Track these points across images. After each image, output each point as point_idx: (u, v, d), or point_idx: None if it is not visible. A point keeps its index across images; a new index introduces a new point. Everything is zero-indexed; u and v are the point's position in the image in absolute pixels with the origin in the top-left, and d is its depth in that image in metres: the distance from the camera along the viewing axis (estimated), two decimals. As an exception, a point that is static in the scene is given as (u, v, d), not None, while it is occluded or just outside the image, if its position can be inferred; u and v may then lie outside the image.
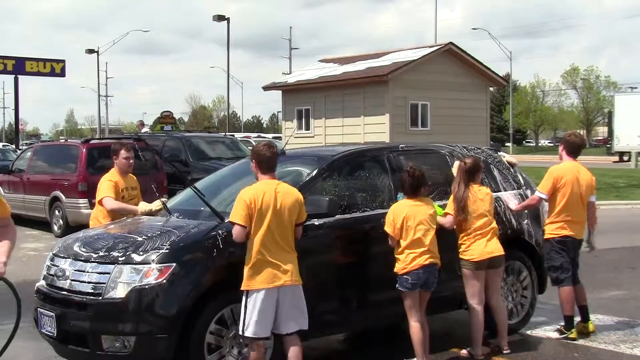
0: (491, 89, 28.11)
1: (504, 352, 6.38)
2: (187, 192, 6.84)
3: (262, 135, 42.96)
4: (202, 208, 5.98)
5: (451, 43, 23.73)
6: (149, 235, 5.59)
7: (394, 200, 6.21)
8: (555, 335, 6.99)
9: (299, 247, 5.34)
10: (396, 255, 5.96)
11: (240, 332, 5.16)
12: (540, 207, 7.36)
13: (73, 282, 5.49)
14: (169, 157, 16.45)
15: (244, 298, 5.15)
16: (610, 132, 43.41)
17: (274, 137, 34.84)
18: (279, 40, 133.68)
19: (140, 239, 5.54)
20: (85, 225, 10.18)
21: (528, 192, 7.51)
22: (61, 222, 14.71)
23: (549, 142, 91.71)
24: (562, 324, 7.02)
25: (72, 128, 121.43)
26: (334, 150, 6.82)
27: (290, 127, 24.58)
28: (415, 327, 5.90)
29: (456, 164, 6.56)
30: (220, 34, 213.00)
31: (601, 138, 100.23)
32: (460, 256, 6.36)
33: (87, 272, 5.44)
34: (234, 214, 5.17)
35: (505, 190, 7.31)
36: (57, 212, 14.88)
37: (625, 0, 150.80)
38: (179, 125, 58.86)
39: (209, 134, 21.28)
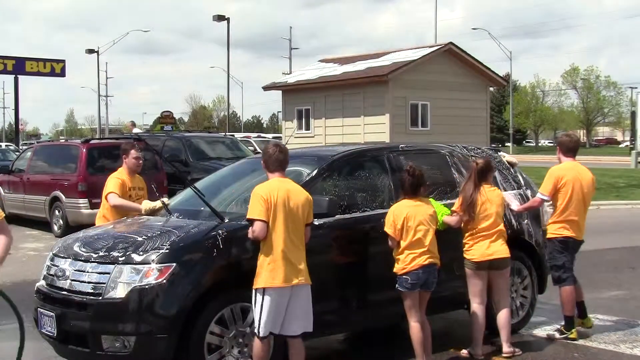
0: (491, 89, 28.12)
1: (504, 355, 6.36)
2: (187, 192, 6.84)
3: (262, 135, 42.95)
4: (202, 208, 5.98)
5: (451, 43, 23.75)
6: (149, 235, 5.58)
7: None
8: (556, 335, 6.99)
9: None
10: (396, 256, 5.96)
11: (257, 332, 5.15)
12: (540, 208, 7.35)
13: (73, 282, 5.48)
14: (169, 157, 16.45)
15: (259, 296, 5.13)
16: (634, 132, 42.67)
17: (274, 137, 34.86)
18: (279, 40, 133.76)
19: (140, 239, 5.54)
20: (85, 225, 10.19)
21: (528, 192, 7.51)
22: (61, 222, 14.71)
23: (549, 142, 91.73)
24: (562, 324, 7.02)
25: (72, 128, 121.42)
26: (334, 150, 6.82)
27: (290, 127, 24.59)
28: (415, 327, 5.90)
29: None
30: (220, 34, 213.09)
31: (602, 138, 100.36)
32: (464, 255, 6.40)
33: (87, 272, 5.43)
34: (252, 211, 5.16)
35: (505, 191, 7.30)
36: (57, 212, 14.88)
37: (625, 0, 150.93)
38: (179, 125, 58.89)
39: (209, 134, 21.28)
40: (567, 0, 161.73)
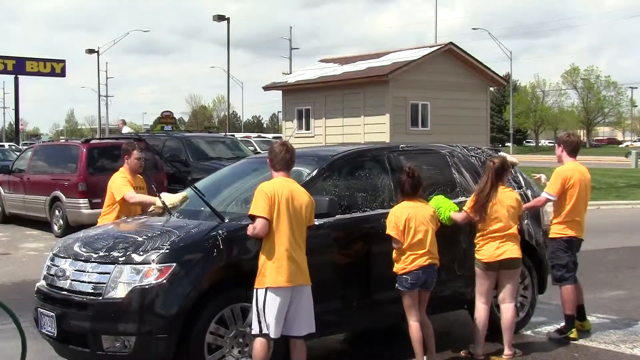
0: (491, 89, 28.13)
1: (504, 357, 6.36)
2: (188, 191, 6.83)
3: (263, 135, 42.97)
4: (202, 208, 5.98)
5: (451, 43, 23.74)
6: (149, 235, 5.58)
7: None
8: (556, 335, 7.00)
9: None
10: (396, 256, 5.97)
11: (265, 331, 5.09)
12: (540, 208, 7.36)
13: (73, 282, 5.48)
14: (169, 157, 16.45)
15: (261, 296, 5.10)
16: None
17: (274, 137, 34.87)
18: (279, 40, 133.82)
19: (140, 239, 5.54)
20: (85, 225, 10.20)
21: (529, 192, 7.51)
22: (61, 222, 14.71)
23: (549, 142, 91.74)
24: (563, 324, 7.02)
25: (72, 128, 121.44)
26: (334, 150, 6.81)
27: (290, 127, 24.59)
28: (414, 327, 5.91)
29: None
30: (220, 34, 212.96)
31: (604, 138, 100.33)
32: (475, 254, 6.42)
33: (87, 272, 5.43)
34: (254, 207, 5.13)
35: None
36: (57, 212, 14.87)
37: (625, 0, 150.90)
38: (179, 125, 58.87)
39: (209, 134, 21.28)
40: (567, 0, 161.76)
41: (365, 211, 6.29)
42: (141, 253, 5.32)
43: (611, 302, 8.59)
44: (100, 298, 5.25)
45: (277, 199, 5.12)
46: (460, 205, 6.46)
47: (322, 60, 27.70)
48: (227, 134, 30.31)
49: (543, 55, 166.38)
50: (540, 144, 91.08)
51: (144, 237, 5.55)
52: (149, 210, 6.84)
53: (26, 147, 23.67)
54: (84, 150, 14.57)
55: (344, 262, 6.10)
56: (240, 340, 5.44)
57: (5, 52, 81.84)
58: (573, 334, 6.93)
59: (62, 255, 5.78)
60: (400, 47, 25.35)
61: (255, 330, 5.17)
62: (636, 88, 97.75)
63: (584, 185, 6.98)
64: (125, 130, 24.08)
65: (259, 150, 25.86)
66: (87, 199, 14.14)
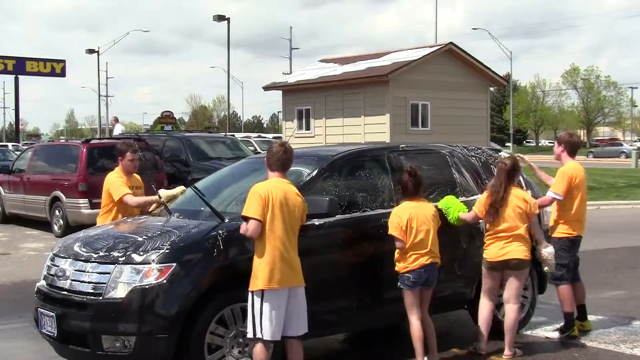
0: (491, 89, 28.11)
1: (504, 357, 6.36)
2: (187, 192, 6.83)
3: (263, 135, 42.96)
4: (203, 208, 5.98)
5: (451, 43, 23.73)
6: (149, 235, 5.59)
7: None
8: (557, 334, 7.01)
9: (299, 247, 5.33)
10: (398, 256, 5.98)
11: (253, 335, 5.09)
12: (546, 207, 7.36)
13: (73, 282, 5.49)
14: (169, 157, 16.45)
15: (257, 298, 5.09)
16: None
17: (274, 137, 34.85)
18: (279, 40, 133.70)
19: (140, 239, 5.54)
20: (85, 225, 10.20)
21: (529, 192, 7.50)
22: (61, 222, 14.71)
23: (549, 142, 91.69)
24: (562, 323, 7.03)
25: (72, 128, 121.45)
26: (334, 150, 6.81)
27: (290, 127, 24.59)
28: (415, 325, 5.93)
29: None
30: (220, 34, 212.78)
31: (606, 138, 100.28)
32: (483, 253, 6.49)
33: (88, 272, 5.43)
34: (247, 208, 5.12)
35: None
36: (57, 212, 14.87)
37: (625, 0, 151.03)
38: (179, 125, 58.85)
39: (209, 134, 21.28)
40: (567, 0, 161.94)
41: (366, 211, 6.29)
42: (141, 253, 5.32)
43: (611, 302, 8.59)
44: (101, 298, 5.25)
45: (271, 201, 5.11)
46: (469, 204, 6.48)
47: (322, 60, 27.69)
48: (227, 134, 30.32)
49: (543, 55, 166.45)
50: (540, 144, 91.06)
51: (144, 237, 5.56)
52: (150, 210, 6.85)
53: (27, 147, 23.67)
54: (84, 150, 14.57)
55: (344, 262, 6.10)
56: (240, 340, 5.43)
57: (5, 52, 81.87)
58: (574, 331, 6.96)
59: (62, 255, 5.78)
60: (400, 47, 25.35)
61: (250, 333, 5.15)
62: (636, 88, 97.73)
63: (585, 184, 7.06)
64: (118, 128, 24.03)
65: (259, 150, 25.85)
66: (87, 199, 14.14)
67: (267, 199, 5.10)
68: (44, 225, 15.55)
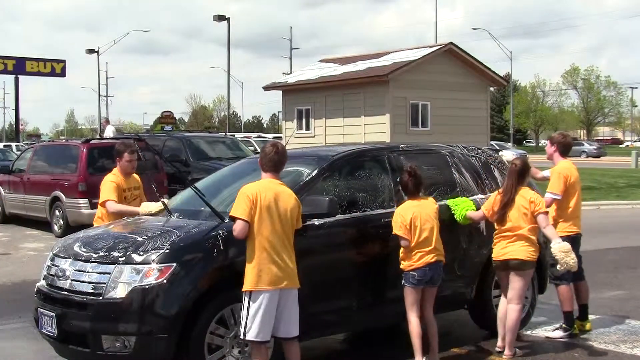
0: (491, 89, 28.09)
1: (504, 357, 6.36)
2: (187, 192, 6.84)
3: (263, 135, 42.96)
4: (203, 208, 5.98)
5: (451, 43, 23.72)
6: (149, 235, 5.58)
7: None
8: (558, 333, 7.01)
9: (299, 247, 5.34)
10: (403, 254, 5.99)
11: (242, 336, 5.12)
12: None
13: (73, 282, 5.48)
14: (169, 157, 16.45)
15: (246, 299, 5.10)
16: None
17: (274, 137, 34.85)
18: (279, 40, 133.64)
19: (140, 239, 5.54)
20: (85, 225, 10.20)
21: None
22: (61, 222, 14.70)
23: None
24: (562, 323, 7.04)
25: (72, 128, 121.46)
26: (334, 150, 6.81)
27: (290, 127, 24.58)
28: (414, 322, 5.96)
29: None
30: (220, 34, 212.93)
31: (609, 138, 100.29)
32: None
33: (88, 272, 5.43)
34: (235, 209, 5.14)
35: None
36: (57, 212, 14.87)
37: (625, 0, 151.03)
38: (179, 125, 58.85)
39: (209, 134, 21.28)
40: (567, 0, 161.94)
41: (366, 211, 6.29)
42: (141, 253, 5.32)
43: (611, 302, 8.59)
44: (101, 298, 5.25)
45: (259, 202, 5.10)
46: (475, 202, 6.52)
47: (322, 60, 27.68)
48: (227, 134, 30.32)
49: (543, 55, 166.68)
50: (540, 144, 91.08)
51: (144, 237, 5.55)
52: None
53: (27, 146, 23.66)
54: (84, 150, 14.57)
55: (344, 262, 6.10)
56: (241, 340, 5.43)
57: (5, 52, 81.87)
58: (574, 331, 7.00)
59: (62, 255, 5.78)
60: (400, 47, 25.33)
61: (240, 334, 5.15)
62: (636, 88, 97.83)
63: (579, 183, 7.11)
64: (109, 129, 23.96)
65: (259, 150, 25.84)
66: (87, 199, 14.13)
67: (255, 200, 5.10)
68: (44, 225, 15.55)
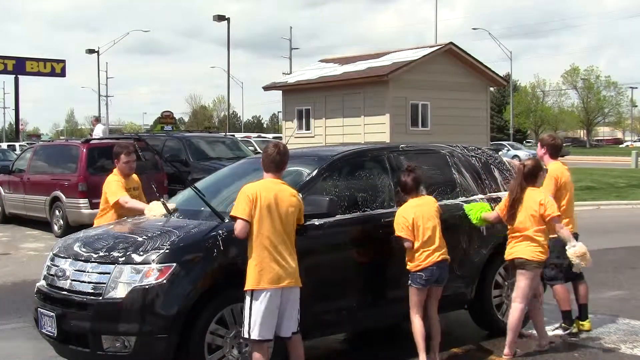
0: (491, 89, 28.09)
1: (504, 357, 6.36)
2: (187, 192, 6.84)
3: (263, 135, 42.96)
4: (203, 208, 5.98)
5: (451, 43, 23.72)
6: (149, 235, 5.58)
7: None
8: (558, 332, 7.02)
9: (299, 247, 5.34)
10: (409, 255, 6.01)
11: (246, 335, 5.12)
12: None
13: (73, 282, 5.48)
14: (169, 157, 16.44)
15: (248, 298, 5.11)
16: None
17: (274, 137, 34.85)
18: (279, 40, 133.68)
19: (140, 239, 5.54)
20: (85, 225, 10.20)
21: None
22: (61, 222, 14.70)
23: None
24: (562, 322, 7.05)
25: (72, 128, 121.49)
26: (334, 150, 6.81)
27: (290, 127, 24.58)
28: (417, 322, 5.98)
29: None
30: (220, 34, 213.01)
31: (610, 138, 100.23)
32: None
33: (88, 272, 5.43)
34: (235, 209, 5.16)
35: (505, 191, 7.31)
36: (57, 212, 14.87)
37: (625, 0, 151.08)
38: (179, 125, 58.86)
39: (209, 134, 21.27)
40: (567, 0, 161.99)
41: (366, 211, 6.29)
42: (141, 253, 5.32)
43: (611, 302, 8.59)
44: (101, 298, 5.25)
45: (258, 201, 5.11)
46: (490, 202, 6.64)
47: (322, 60, 27.68)
48: (227, 134, 30.31)
49: (543, 55, 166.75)
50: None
51: (144, 237, 5.55)
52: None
53: (27, 146, 23.64)
54: (84, 150, 14.56)
55: (344, 262, 6.10)
56: (241, 340, 5.43)
57: (5, 52, 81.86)
58: (575, 328, 7.04)
59: (62, 255, 5.78)
60: (400, 47, 25.33)
61: (244, 333, 5.16)
62: (636, 88, 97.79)
63: (571, 183, 7.13)
64: (99, 128, 23.92)
65: (259, 150, 25.84)
66: (87, 199, 14.13)
67: (254, 200, 5.11)
68: (44, 225, 15.55)
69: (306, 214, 5.51)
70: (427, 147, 7.47)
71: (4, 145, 40.46)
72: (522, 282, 6.36)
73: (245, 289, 5.13)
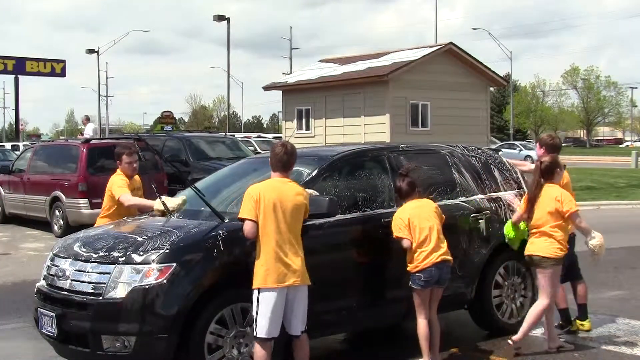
0: (491, 89, 28.07)
1: (509, 341, 6.42)
2: (187, 192, 6.83)
3: (263, 135, 42.96)
4: (202, 208, 5.98)
5: (451, 43, 23.71)
6: (149, 235, 5.59)
7: None
8: (557, 331, 7.02)
9: (299, 248, 5.34)
10: (408, 256, 6.01)
11: (255, 334, 5.16)
12: None
13: (73, 282, 5.49)
14: (169, 157, 16.45)
15: (255, 297, 5.16)
16: None
17: (274, 137, 34.85)
18: (279, 40, 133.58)
19: (140, 239, 5.54)
20: (85, 225, 10.20)
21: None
22: (61, 222, 14.70)
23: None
24: (559, 321, 7.06)
25: (72, 128, 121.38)
26: (334, 150, 6.81)
27: (290, 127, 24.57)
28: (422, 324, 5.98)
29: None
30: (220, 34, 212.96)
31: (611, 138, 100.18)
32: None
33: (88, 272, 5.43)
34: (242, 210, 5.21)
35: (505, 191, 7.32)
36: (57, 212, 14.87)
37: (625, 1, 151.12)
38: (179, 125, 58.86)
39: (209, 134, 21.27)
40: (567, 0, 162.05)
41: (365, 211, 6.29)
42: (141, 253, 5.32)
43: (611, 302, 8.59)
44: (101, 298, 5.25)
45: (262, 202, 5.16)
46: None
47: (322, 60, 27.66)
48: (227, 134, 30.31)
49: (543, 55, 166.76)
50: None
51: (144, 237, 5.56)
52: (149, 212, 6.81)
53: (27, 146, 23.64)
54: (84, 150, 14.57)
55: (344, 262, 6.10)
56: (241, 340, 5.44)
57: (5, 52, 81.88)
58: (574, 326, 7.06)
59: (62, 255, 5.78)
60: (400, 47, 25.32)
61: (254, 332, 5.20)
62: (636, 88, 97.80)
63: (570, 183, 7.12)
64: (90, 127, 23.85)
65: (259, 150, 25.87)
66: (87, 199, 14.14)
67: (258, 200, 5.16)
68: (44, 225, 15.55)
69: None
70: (427, 147, 7.47)
71: (7, 145, 40.48)
72: (541, 280, 6.45)
73: (252, 287, 5.16)
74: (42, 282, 5.85)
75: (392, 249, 6.14)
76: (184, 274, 5.25)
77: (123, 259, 5.33)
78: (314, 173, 6.19)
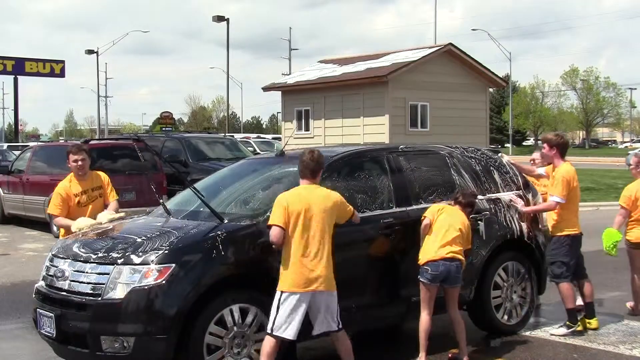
0: (490, 89, 28.10)
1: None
2: (186, 193, 6.83)
3: (262, 136, 42.95)
4: (202, 209, 5.98)
5: (451, 44, 23.71)
6: (148, 235, 5.58)
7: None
8: (562, 331, 7.03)
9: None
10: (422, 247, 6.14)
11: (269, 330, 5.26)
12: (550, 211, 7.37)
13: (72, 282, 5.48)
14: (168, 157, 16.44)
15: (277, 298, 5.27)
16: None
17: (273, 138, 34.87)
18: (278, 41, 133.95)
19: (139, 239, 5.54)
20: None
21: (529, 194, 7.52)
22: (61, 222, 14.66)
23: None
24: (566, 320, 7.06)
25: (72, 128, 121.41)
26: (334, 151, 6.80)
27: (289, 127, 24.57)
28: (424, 319, 6.05)
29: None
30: (219, 34, 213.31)
31: (612, 139, 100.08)
32: None
33: (87, 272, 5.43)
34: (272, 218, 5.31)
35: (505, 192, 7.31)
36: (56, 212, 14.83)
37: (625, 1, 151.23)
38: (178, 125, 58.86)
39: (209, 135, 21.27)
40: (566, 1, 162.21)
41: (365, 212, 6.28)
42: (140, 254, 5.32)
43: (611, 302, 8.59)
44: (100, 299, 5.25)
45: (291, 208, 5.27)
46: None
47: (321, 61, 27.66)
48: (227, 134, 30.31)
49: (542, 56, 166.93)
50: (539, 145, 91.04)
51: (143, 237, 5.55)
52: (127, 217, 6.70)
53: (27, 146, 23.63)
54: (83, 150, 14.52)
55: (344, 263, 6.08)
56: (240, 341, 5.44)
57: (5, 52, 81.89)
58: (579, 327, 7.07)
59: (61, 256, 5.77)
60: (399, 48, 25.33)
61: (268, 327, 5.30)
62: (635, 89, 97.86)
63: (579, 184, 7.20)
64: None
65: (258, 151, 25.86)
66: (86, 200, 14.10)
67: (287, 207, 5.28)
68: (43, 225, 15.54)
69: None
70: (427, 148, 7.46)
71: (4, 145, 40.42)
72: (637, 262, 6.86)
73: (278, 288, 5.28)
74: (41, 283, 5.85)
75: (392, 250, 6.14)
76: (183, 275, 5.24)
77: (122, 259, 5.33)
78: (314, 174, 6.17)
